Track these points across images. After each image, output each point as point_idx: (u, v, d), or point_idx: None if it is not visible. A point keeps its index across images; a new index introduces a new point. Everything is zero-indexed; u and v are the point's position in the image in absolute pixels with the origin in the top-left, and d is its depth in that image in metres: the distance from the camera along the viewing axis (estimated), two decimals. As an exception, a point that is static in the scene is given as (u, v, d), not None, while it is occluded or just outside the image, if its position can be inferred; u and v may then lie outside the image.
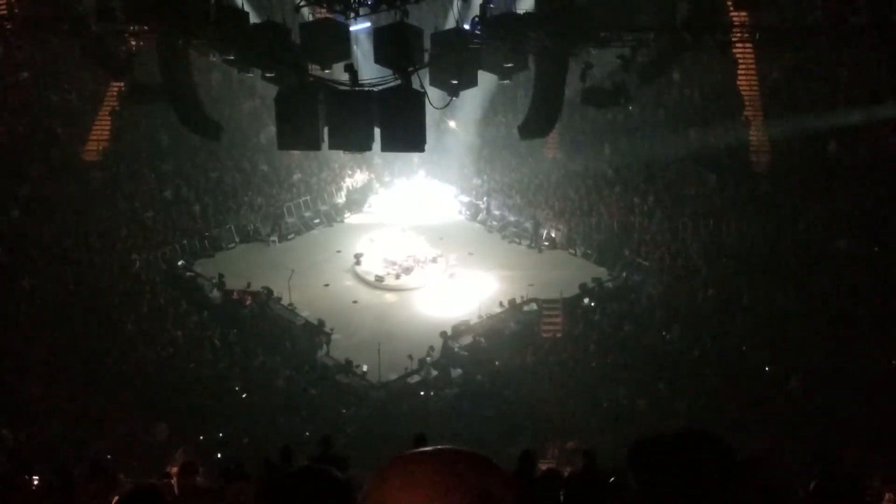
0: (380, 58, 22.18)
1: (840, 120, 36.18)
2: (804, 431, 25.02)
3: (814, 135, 36.67)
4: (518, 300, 33.83)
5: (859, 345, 28.81)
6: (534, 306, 33.57)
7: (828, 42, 28.72)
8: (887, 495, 13.14)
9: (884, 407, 25.36)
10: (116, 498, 10.25)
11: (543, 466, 14.50)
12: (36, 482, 14.33)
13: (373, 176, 43.88)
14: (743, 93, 38.89)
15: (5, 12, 32.37)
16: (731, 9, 31.79)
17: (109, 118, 40.50)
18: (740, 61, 38.04)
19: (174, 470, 14.64)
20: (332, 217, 41.76)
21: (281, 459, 13.85)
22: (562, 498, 11.16)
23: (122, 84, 34.72)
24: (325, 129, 22.68)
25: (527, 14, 24.56)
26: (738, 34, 30.58)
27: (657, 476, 2.96)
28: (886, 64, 34.38)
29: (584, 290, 34.30)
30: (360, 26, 28.24)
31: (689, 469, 2.96)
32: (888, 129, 35.36)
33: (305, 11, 26.52)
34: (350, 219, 42.20)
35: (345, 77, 22.21)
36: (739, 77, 38.71)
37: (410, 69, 21.24)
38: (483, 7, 23.37)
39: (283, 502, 3.33)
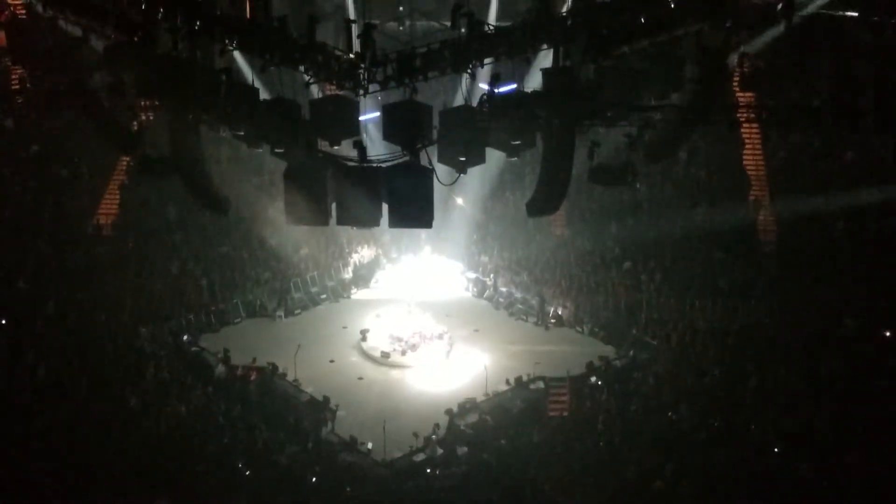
0: (388, 134, 22.36)
1: (847, 201, 36.30)
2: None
3: (821, 215, 36.77)
4: (524, 378, 33.67)
5: (869, 427, 28.56)
6: (540, 384, 33.40)
7: (834, 123, 28.85)
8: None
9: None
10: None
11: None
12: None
13: (380, 252, 43.94)
14: (749, 172, 39.09)
15: (17, 86, 32.73)
16: (738, 89, 32.03)
17: (118, 192, 40.75)
18: (747, 141, 38.32)
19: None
20: (339, 293, 41.78)
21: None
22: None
23: (131, 158, 35.02)
24: (334, 205, 22.78)
25: (534, 92, 24.71)
26: (745, 114, 30.77)
27: None
28: (892, 146, 34.53)
29: (591, 368, 34.13)
30: (368, 116, 28.50)
31: None
32: (895, 210, 35.43)
33: (315, 88, 26.77)
34: (357, 294, 42.20)
35: (354, 153, 22.36)
36: (746, 156, 38.96)
37: (419, 146, 21.39)
38: (491, 85, 23.55)
39: None
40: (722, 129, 29.22)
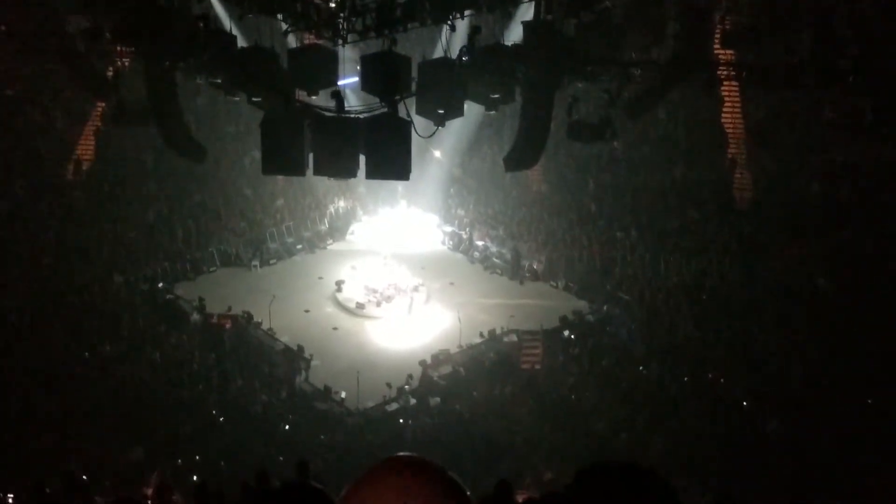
0: (367, 86, 22.28)
1: (823, 160, 36.43)
2: (780, 470, 25.00)
3: (797, 174, 36.89)
4: (498, 331, 33.81)
5: (838, 385, 28.87)
6: (514, 337, 33.53)
7: (813, 83, 28.93)
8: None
9: (861, 451, 25.37)
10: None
11: (520, 497, 14.43)
12: (10, 500, 14.19)
13: (356, 203, 43.87)
14: (727, 131, 39.08)
15: (-9, 30, 32.38)
16: (718, 46, 32.03)
17: (94, 138, 40.45)
18: (726, 99, 38.25)
19: (150, 492, 14.54)
20: (315, 243, 41.70)
21: (257, 483, 13.77)
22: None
23: (107, 104, 34.75)
24: (311, 156, 22.71)
25: (514, 46, 24.68)
26: (725, 72, 30.78)
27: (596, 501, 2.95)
28: (870, 106, 34.65)
29: (565, 322, 34.29)
30: (346, 81, 28.35)
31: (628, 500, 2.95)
32: (871, 170, 35.56)
33: (293, 37, 26.62)
34: (332, 246, 42.14)
35: (331, 104, 22.28)
36: (724, 115, 38.91)
37: (397, 97, 21.32)
38: (471, 38, 23.46)
39: None
40: (701, 86, 29.27)
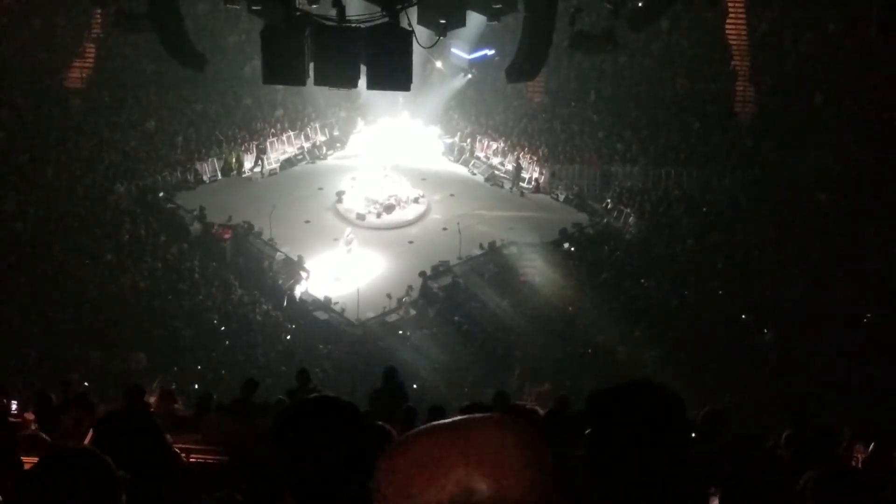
0: (368, -6, 22.01)
1: (827, 73, 36.23)
2: (777, 382, 25.26)
3: (800, 87, 36.70)
4: (498, 243, 33.89)
5: (835, 299, 29.04)
6: (514, 249, 33.65)
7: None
8: (857, 446, 13.25)
9: (855, 362, 25.60)
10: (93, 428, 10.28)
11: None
12: (14, 407, 14.36)
13: (357, 114, 43.61)
14: (731, 42, 38.81)
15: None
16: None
17: (94, 46, 40.16)
18: (730, 10, 37.93)
19: (152, 399, 14.70)
20: (315, 154, 41.57)
21: (243, 392, 13.94)
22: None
23: (107, 11, 34.43)
24: (311, 65, 22.55)
25: (518, -46, 24.35)
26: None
27: (612, 424, 2.94)
28: (875, 20, 34.40)
29: (564, 235, 34.37)
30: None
31: (641, 419, 2.93)
32: (875, 83, 35.37)
33: (294, -56, 26.19)
34: (333, 156, 42.01)
35: (332, 13, 22.06)
36: (728, 27, 38.61)
37: (398, 7, 21.10)
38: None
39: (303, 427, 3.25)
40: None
